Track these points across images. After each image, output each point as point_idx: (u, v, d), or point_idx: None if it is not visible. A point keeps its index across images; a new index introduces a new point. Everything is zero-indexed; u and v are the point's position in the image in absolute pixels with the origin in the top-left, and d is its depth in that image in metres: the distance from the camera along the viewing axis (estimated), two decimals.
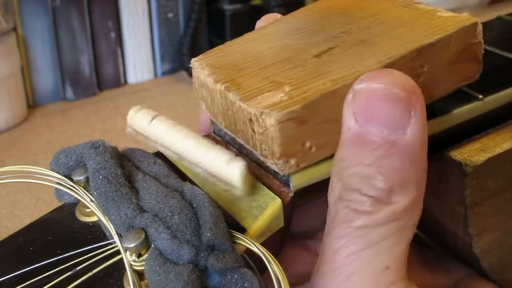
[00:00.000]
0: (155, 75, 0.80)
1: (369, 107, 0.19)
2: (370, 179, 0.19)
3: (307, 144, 0.21)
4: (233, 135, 0.23)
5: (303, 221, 0.29)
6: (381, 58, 0.21)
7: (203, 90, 0.24)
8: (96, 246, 0.20)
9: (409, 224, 0.20)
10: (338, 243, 0.20)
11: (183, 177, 0.22)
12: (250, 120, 0.21)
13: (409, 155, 0.19)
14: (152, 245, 0.18)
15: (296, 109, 0.20)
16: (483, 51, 0.24)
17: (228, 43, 0.25)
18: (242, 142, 0.23)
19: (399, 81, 0.19)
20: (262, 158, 0.22)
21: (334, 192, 0.20)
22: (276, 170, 0.21)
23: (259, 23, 0.28)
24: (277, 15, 0.28)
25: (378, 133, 0.19)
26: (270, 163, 0.21)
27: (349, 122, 0.20)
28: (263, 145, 0.21)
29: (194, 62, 0.24)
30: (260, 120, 0.20)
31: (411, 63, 0.22)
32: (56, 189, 0.22)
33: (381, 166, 0.19)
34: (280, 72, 0.22)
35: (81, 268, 0.19)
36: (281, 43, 0.24)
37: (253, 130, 0.21)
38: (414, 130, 0.19)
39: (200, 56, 0.24)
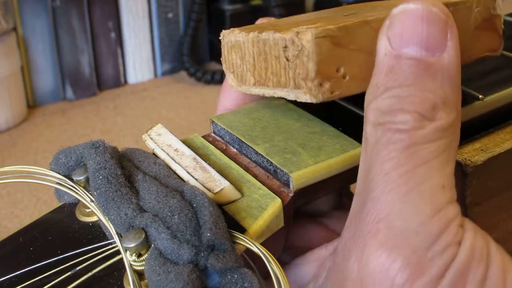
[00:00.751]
0: (155, 75, 0.80)
1: (406, 28, 0.20)
2: (412, 97, 0.19)
3: (342, 70, 0.21)
4: (260, 88, 0.24)
5: (315, 202, 0.29)
6: None
7: (232, 53, 0.25)
8: (96, 246, 0.20)
9: (454, 145, 0.20)
10: (387, 166, 0.19)
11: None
12: (285, 47, 0.21)
13: (447, 75, 0.20)
14: (152, 245, 0.18)
15: (332, 29, 0.21)
16: (502, 26, 0.25)
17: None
18: (271, 90, 0.23)
19: (437, 3, 0.20)
20: (294, 93, 0.22)
21: (369, 121, 0.20)
22: (309, 100, 0.22)
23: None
24: (272, 19, 0.28)
25: (417, 54, 0.20)
26: (303, 92, 0.21)
27: (385, 48, 0.20)
28: (297, 71, 0.21)
29: (224, 31, 0.25)
30: (296, 40, 0.21)
31: None
32: (56, 189, 0.22)
33: (422, 85, 0.19)
34: (313, 21, 0.23)
35: (81, 268, 0.19)
36: (311, 16, 0.25)
37: (287, 59, 0.22)
38: (451, 53, 0.20)
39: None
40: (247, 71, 0.24)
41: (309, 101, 0.21)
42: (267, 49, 0.22)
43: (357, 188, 0.20)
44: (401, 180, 0.19)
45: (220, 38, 0.26)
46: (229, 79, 0.26)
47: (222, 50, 0.26)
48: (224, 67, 0.26)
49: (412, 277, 0.18)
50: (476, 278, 0.18)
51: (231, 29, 0.25)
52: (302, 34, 0.21)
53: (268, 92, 0.24)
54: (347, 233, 0.20)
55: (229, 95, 0.28)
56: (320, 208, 0.29)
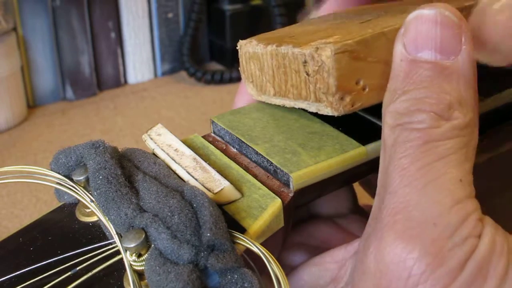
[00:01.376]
0: (155, 75, 0.80)
1: (421, 33, 0.20)
2: (428, 98, 0.19)
3: (361, 83, 0.21)
4: (281, 99, 0.24)
5: (332, 204, 0.29)
6: None
7: (251, 64, 0.25)
8: (96, 246, 0.20)
9: (471, 144, 0.20)
10: (404, 161, 0.19)
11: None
12: (305, 62, 0.22)
13: (462, 78, 0.20)
14: (152, 245, 0.18)
15: (350, 43, 0.21)
16: None
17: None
18: (292, 102, 0.24)
19: (450, 8, 0.20)
20: (315, 106, 0.22)
21: (387, 124, 0.20)
22: (330, 113, 0.22)
23: None
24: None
25: (432, 58, 0.20)
26: (324, 106, 0.22)
27: (401, 54, 0.20)
28: (317, 85, 0.22)
29: (241, 41, 0.25)
30: (316, 56, 0.21)
31: None
32: (56, 189, 0.22)
33: (438, 87, 0.20)
34: (329, 31, 0.23)
35: (81, 268, 0.19)
36: (326, 23, 0.25)
37: (307, 74, 0.22)
38: (465, 56, 0.20)
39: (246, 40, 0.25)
40: (266, 82, 0.24)
41: (330, 114, 0.22)
42: (287, 63, 0.23)
43: (377, 189, 0.21)
44: (419, 174, 0.19)
45: (237, 47, 0.26)
46: (249, 88, 0.26)
47: (240, 60, 0.26)
48: (242, 76, 0.26)
49: (430, 267, 0.18)
50: (498, 272, 0.18)
51: (248, 39, 0.25)
52: (322, 50, 0.21)
53: (288, 103, 0.24)
54: (367, 231, 0.20)
55: (245, 98, 0.28)
56: (336, 210, 0.29)
